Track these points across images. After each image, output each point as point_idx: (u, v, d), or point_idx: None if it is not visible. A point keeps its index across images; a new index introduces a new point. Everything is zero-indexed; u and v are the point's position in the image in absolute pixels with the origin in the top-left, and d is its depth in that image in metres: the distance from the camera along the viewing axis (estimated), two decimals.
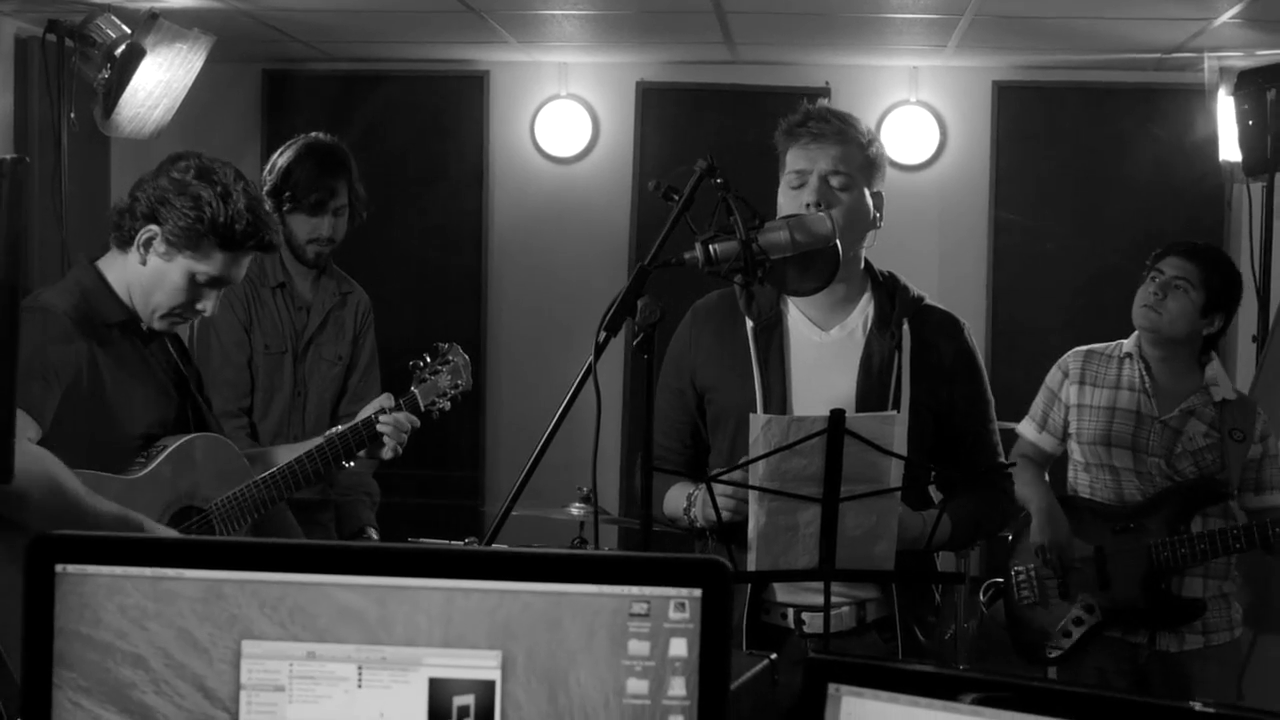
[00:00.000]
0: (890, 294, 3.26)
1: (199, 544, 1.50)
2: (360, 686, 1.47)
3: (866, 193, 3.21)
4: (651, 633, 1.44)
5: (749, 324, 3.22)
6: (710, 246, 2.90)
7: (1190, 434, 4.34)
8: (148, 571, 1.48)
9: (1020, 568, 4.53)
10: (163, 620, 1.47)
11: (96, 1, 5.32)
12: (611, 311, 2.85)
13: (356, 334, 4.73)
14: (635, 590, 1.45)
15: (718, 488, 2.95)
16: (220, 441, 3.52)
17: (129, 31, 5.22)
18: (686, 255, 2.91)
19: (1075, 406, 4.52)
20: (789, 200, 3.17)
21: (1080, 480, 4.53)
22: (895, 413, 2.99)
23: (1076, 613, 4.38)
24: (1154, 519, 4.31)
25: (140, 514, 3.23)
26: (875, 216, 3.25)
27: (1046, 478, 4.65)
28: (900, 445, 2.91)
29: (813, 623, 3.09)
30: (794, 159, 3.20)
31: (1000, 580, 4.66)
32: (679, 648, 1.44)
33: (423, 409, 3.78)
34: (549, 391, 6.71)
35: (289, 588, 1.47)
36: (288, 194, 4.54)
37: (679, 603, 1.44)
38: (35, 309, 3.29)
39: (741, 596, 3.11)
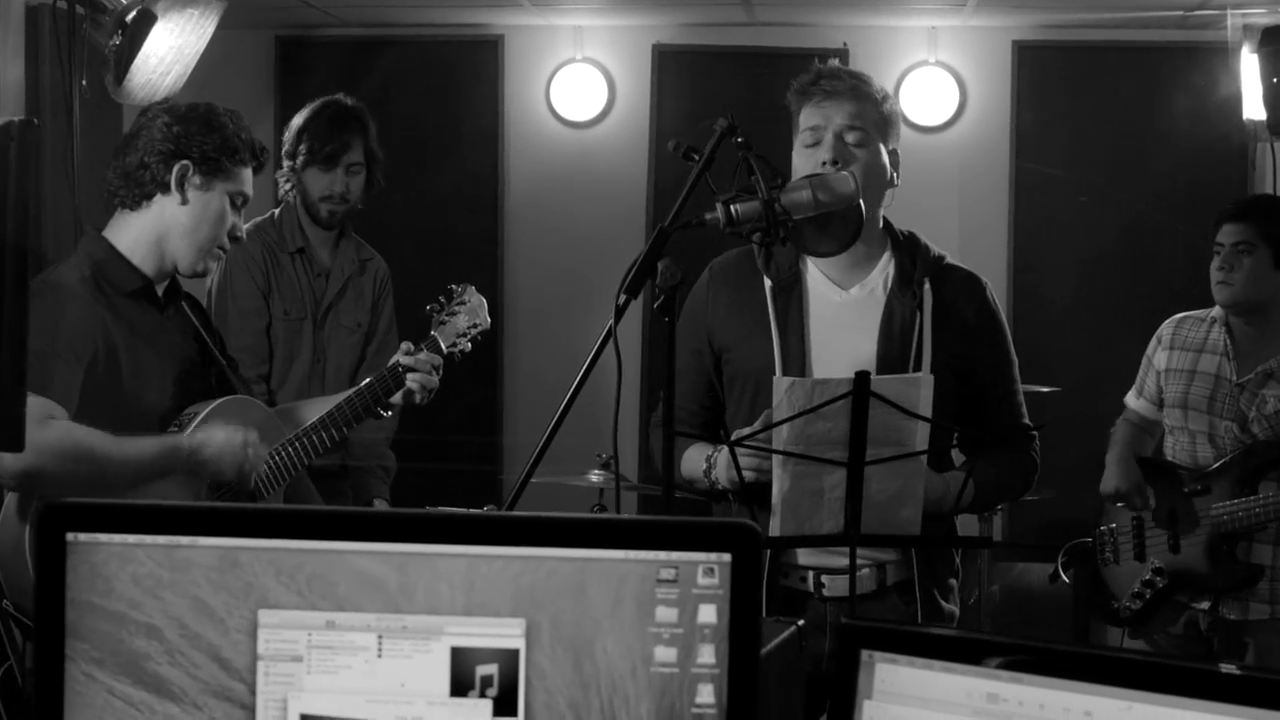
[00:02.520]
0: (911, 253, 3.21)
1: (213, 511, 1.46)
2: (380, 656, 1.43)
3: (883, 150, 3.17)
4: (680, 599, 1.40)
5: (767, 283, 3.17)
6: (732, 206, 2.86)
7: (1266, 396, 4.29)
8: (161, 539, 1.44)
9: (1104, 527, 4.59)
10: (177, 589, 1.44)
11: None
12: (631, 274, 2.82)
13: (375, 301, 4.72)
14: (662, 555, 1.40)
15: (740, 449, 2.91)
16: (250, 402, 3.49)
17: None
18: (708, 216, 2.88)
19: (1165, 371, 4.54)
20: (804, 160, 3.12)
21: (1167, 443, 4.58)
22: (921, 374, 2.94)
23: (1147, 575, 4.39)
24: (1221, 482, 4.28)
25: (172, 438, 3.19)
26: (893, 175, 3.20)
27: (1150, 442, 4.68)
28: (927, 407, 2.86)
29: (833, 586, 3.06)
30: (808, 117, 3.15)
31: (1086, 540, 4.71)
32: (708, 614, 1.40)
33: (445, 352, 3.76)
34: (568, 356, 6.67)
35: (307, 555, 1.43)
36: (302, 147, 4.54)
37: (708, 568, 1.40)
38: (47, 287, 3.24)
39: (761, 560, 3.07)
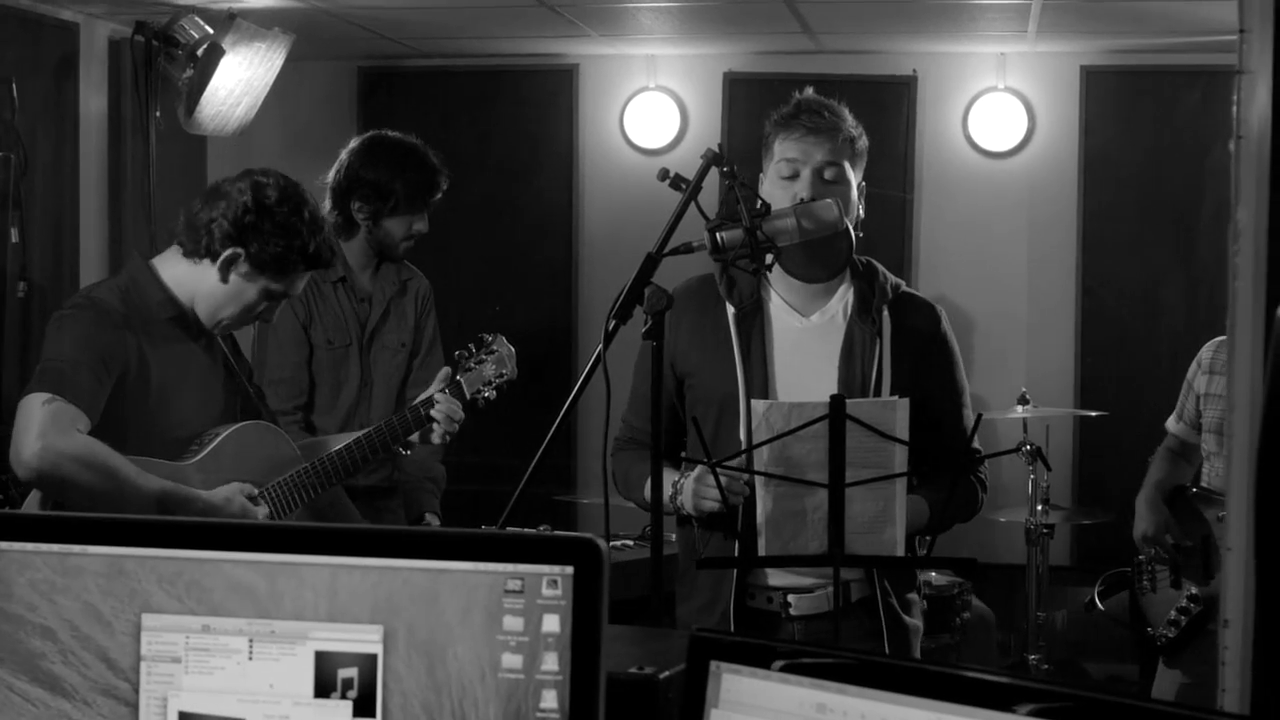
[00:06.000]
0: (869, 282, 3.26)
1: (103, 521, 1.56)
2: (251, 659, 1.52)
3: (853, 184, 3.22)
4: (525, 609, 1.48)
5: (730, 310, 3.23)
6: (717, 234, 2.95)
7: None
8: (55, 547, 1.55)
9: (1143, 556, 4.63)
10: (69, 594, 1.55)
11: (182, 3, 5.47)
12: (620, 300, 2.91)
13: (418, 319, 4.80)
14: (509, 567, 1.49)
15: (710, 475, 2.98)
16: (269, 429, 3.61)
17: (211, 31, 5.37)
18: (695, 242, 2.96)
19: (1204, 395, 4.53)
20: (780, 191, 3.16)
21: (1205, 469, 4.57)
22: (896, 398, 3.00)
23: (1181, 602, 4.39)
24: None
25: (191, 489, 3.33)
26: (859, 207, 3.25)
27: (1188, 469, 4.69)
28: (903, 431, 2.92)
29: (799, 605, 3.12)
30: (786, 149, 3.20)
31: (1124, 570, 4.75)
32: (551, 623, 1.48)
33: (468, 397, 3.86)
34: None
35: (186, 563, 1.53)
36: (394, 201, 4.59)
37: (551, 580, 1.48)
38: (86, 303, 3.41)
39: (728, 583, 3.14)
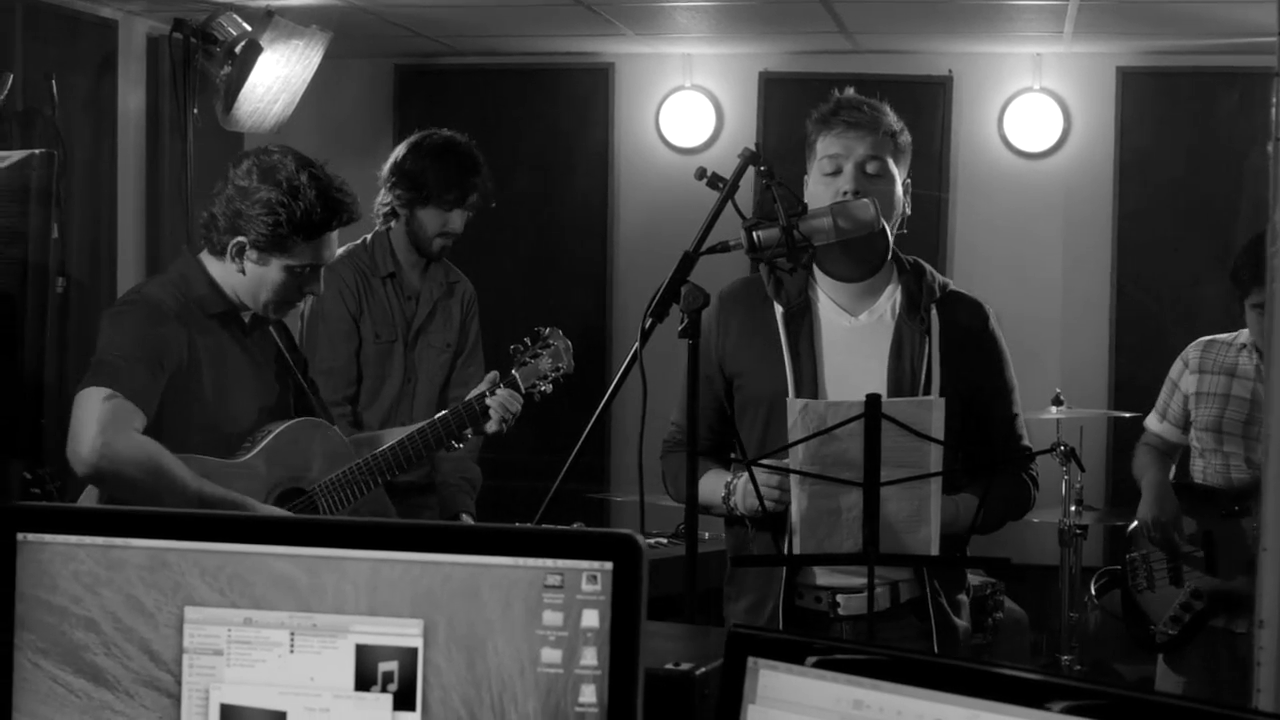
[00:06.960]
0: (917, 281, 3.24)
1: (146, 514, 1.58)
2: (292, 652, 1.54)
3: (898, 180, 3.21)
4: (565, 604, 1.49)
5: (778, 310, 3.22)
6: (754, 233, 2.96)
7: None
8: (99, 540, 1.57)
9: (1135, 554, 4.59)
10: (113, 586, 1.56)
11: (220, 1, 5.50)
12: (657, 298, 2.92)
13: (463, 321, 4.84)
14: (549, 563, 1.50)
15: (760, 474, 2.98)
16: (324, 425, 3.62)
17: (249, 29, 5.39)
18: (731, 242, 2.97)
19: (1194, 395, 4.54)
20: (823, 188, 3.16)
21: (1196, 466, 4.58)
22: (933, 398, 2.99)
23: (1184, 598, 4.39)
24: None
25: (244, 496, 3.35)
26: (905, 204, 3.24)
27: (1172, 466, 4.70)
28: (939, 430, 2.91)
29: (848, 605, 3.11)
30: (828, 145, 3.20)
31: (1115, 568, 4.74)
32: (591, 619, 1.49)
33: (523, 391, 3.86)
34: (675, 378, 6.81)
35: (228, 557, 1.55)
36: (426, 191, 4.64)
37: (591, 575, 1.49)
38: (138, 300, 3.43)
39: (777, 582, 3.13)
